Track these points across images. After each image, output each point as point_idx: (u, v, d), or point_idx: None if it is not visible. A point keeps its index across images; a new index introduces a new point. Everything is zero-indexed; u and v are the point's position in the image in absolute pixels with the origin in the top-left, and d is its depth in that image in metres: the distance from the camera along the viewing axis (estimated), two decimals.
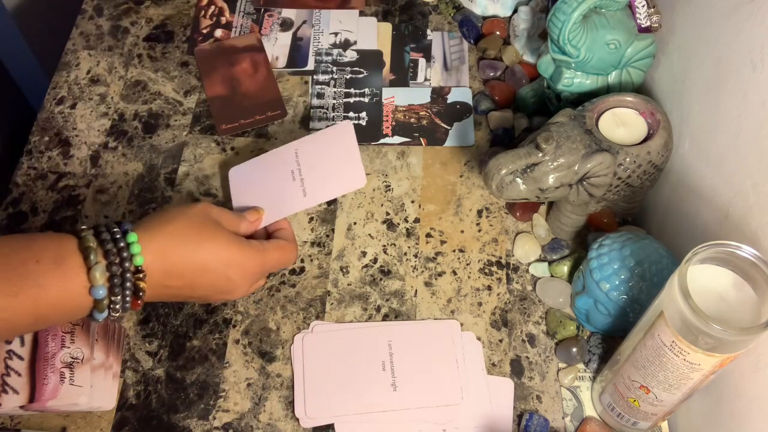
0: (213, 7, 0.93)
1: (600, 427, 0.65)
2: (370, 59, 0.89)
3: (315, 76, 0.87)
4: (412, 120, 0.84)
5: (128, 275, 0.52)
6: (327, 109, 0.84)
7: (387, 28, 0.92)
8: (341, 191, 0.73)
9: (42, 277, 0.49)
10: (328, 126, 0.76)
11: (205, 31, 0.91)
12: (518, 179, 0.65)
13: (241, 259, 0.59)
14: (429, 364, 0.67)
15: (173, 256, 0.55)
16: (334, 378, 0.67)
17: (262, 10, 0.93)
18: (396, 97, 0.85)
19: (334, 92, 0.86)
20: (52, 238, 0.52)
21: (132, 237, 0.53)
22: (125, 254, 0.52)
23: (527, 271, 0.74)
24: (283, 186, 0.69)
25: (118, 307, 0.52)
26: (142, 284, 0.53)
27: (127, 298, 0.53)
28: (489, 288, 0.73)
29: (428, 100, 0.85)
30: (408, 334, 0.69)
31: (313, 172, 0.69)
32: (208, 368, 0.68)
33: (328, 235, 0.76)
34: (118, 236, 0.52)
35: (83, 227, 0.53)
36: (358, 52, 0.89)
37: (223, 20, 0.92)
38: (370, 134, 0.82)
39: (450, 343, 0.68)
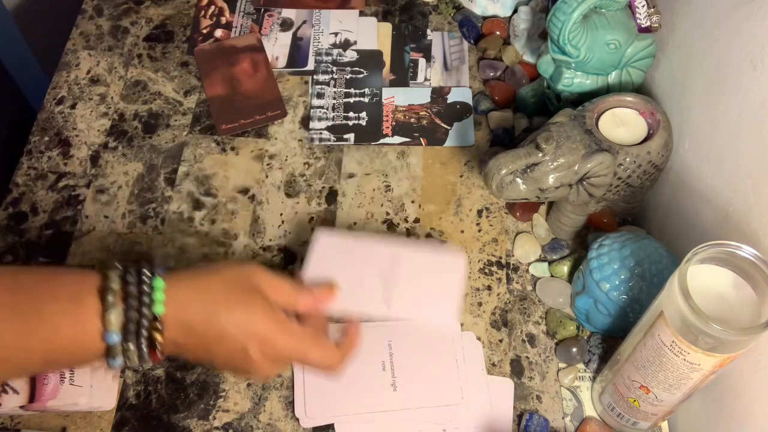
0: (213, 7, 0.93)
1: (600, 427, 0.65)
2: (370, 59, 0.89)
3: (315, 76, 0.87)
4: (412, 120, 0.84)
5: (144, 322, 0.48)
6: (327, 109, 0.84)
7: (387, 28, 0.92)
8: (426, 321, 0.63)
9: (56, 317, 0.46)
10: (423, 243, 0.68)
11: (205, 31, 0.91)
12: (518, 179, 0.65)
13: (270, 337, 0.51)
14: (429, 364, 0.67)
15: (195, 312, 0.50)
16: (335, 381, 0.67)
17: (262, 10, 0.93)
18: (396, 97, 0.85)
19: (334, 92, 0.86)
20: (75, 275, 0.48)
21: (158, 282, 0.49)
22: (146, 299, 0.48)
23: (527, 271, 0.74)
24: (369, 282, 0.62)
25: (133, 356, 0.48)
26: (157, 335, 0.48)
27: (143, 348, 0.48)
28: (489, 288, 0.73)
29: (428, 100, 0.85)
30: (408, 335, 0.69)
31: (406, 286, 0.61)
32: (208, 368, 0.68)
33: None
34: (145, 279, 0.48)
35: (115, 264, 0.49)
36: (358, 52, 0.89)
37: (223, 20, 0.92)
38: (370, 134, 0.82)
39: (450, 343, 0.68)
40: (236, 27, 0.91)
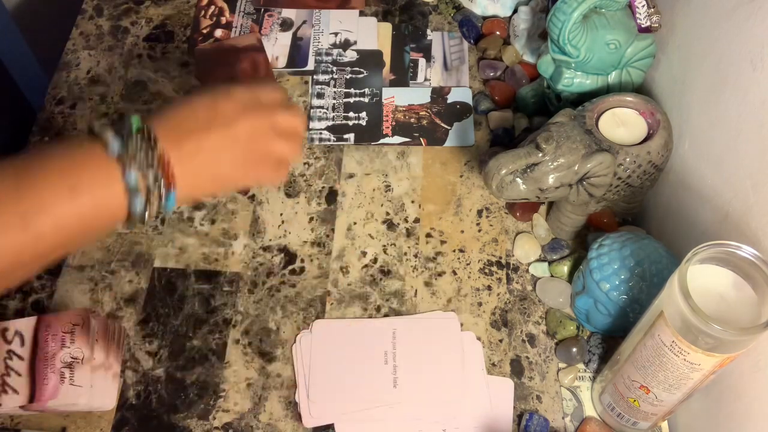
0: (213, 7, 0.93)
1: (600, 427, 0.65)
2: (370, 59, 0.89)
3: (315, 76, 0.87)
4: (412, 120, 0.84)
5: (134, 134, 0.48)
6: (327, 109, 0.84)
7: (387, 28, 0.92)
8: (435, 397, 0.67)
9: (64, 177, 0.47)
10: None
11: (205, 31, 0.91)
12: (518, 179, 0.65)
13: (225, 87, 0.55)
14: (431, 359, 0.67)
15: (170, 108, 0.53)
16: (336, 375, 0.67)
17: (262, 10, 0.93)
18: (396, 97, 0.85)
19: (334, 92, 0.86)
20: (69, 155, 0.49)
21: (132, 118, 0.50)
22: (127, 125, 0.49)
23: (527, 271, 0.74)
24: (373, 364, 0.68)
25: (140, 158, 0.48)
26: (146, 127, 0.49)
27: (142, 146, 0.48)
28: (489, 288, 0.73)
29: (428, 100, 0.85)
30: (410, 329, 0.69)
31: (409, 364, 0.68)
32: (208, 368, 0.68)
33: (328, 235, 0.76)
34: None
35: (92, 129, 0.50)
36: (358, 52, 0.89)
37: (223, 20, 0.92)
38: (370, 134, 0.82)
39: (452, 337, 0.68)
40: (236, 27, 0.91)
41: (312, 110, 0.84)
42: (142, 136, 0.48)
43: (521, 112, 0.83)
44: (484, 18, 0.92)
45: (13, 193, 0.45)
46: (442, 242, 0.75)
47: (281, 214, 0.77)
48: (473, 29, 0.90)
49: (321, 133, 0.82)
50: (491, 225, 0.76)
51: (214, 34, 0.90)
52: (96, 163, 0.48)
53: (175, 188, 0.50)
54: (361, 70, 0.88)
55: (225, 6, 0.93)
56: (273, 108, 0.56)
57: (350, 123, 0.83)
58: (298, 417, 0.66)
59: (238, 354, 0.69)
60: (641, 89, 0.76)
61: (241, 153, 0.54)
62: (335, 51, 0.89)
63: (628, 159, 0.65)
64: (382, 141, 0.82)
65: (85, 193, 0.47)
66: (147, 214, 0.49)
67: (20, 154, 0.48)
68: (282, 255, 0.75)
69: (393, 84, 0.87)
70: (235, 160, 0.54)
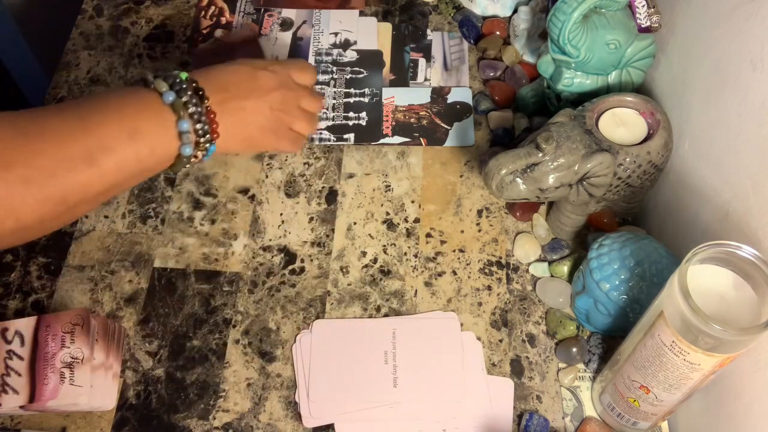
0: (213, 8, 0.93)
1: (600, 427, 0.65)
2: (370, 59, 0.89)
3: None
4: (412, 120, 0.84)
5: (183, 84, 0.55)
6: (327, 109, 0.84)
7: (387, 28, 0.92)
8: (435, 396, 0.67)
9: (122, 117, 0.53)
10: None
11: (205, 32, 0.91)
12: (518, 179, 0.65)
13: (266, 63, 0.64)
14: (431, 359, 0.67)
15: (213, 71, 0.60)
16: (336, 375, 0.67)
17: (262, 10, 0.93)
18: (396, 97, 0.85)
19: (334, 92, 0.86)
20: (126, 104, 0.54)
21: (181, 74, 0.57)
22: (177, 78, 0.56)
23: (527, 271, 0.74)
24: (373, 364, 0.68)
25: (192, 109, 0.55)
26: (198, 88, 0.56)
27: (194, 99, 0.55)
28: (489, 288, 0.73)
29: (428, 100, 0.85)
30: (411, 328, 0.69)
31: (409, 363, 0.68)
32: (208, 368, 0.68)
33: (328, 235, 0.76)
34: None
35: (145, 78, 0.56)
36: (358, 52, 0.89)
37: (223, 20, 0.92)
38: (370, 134, 0.82)
39: (452, 337, 0.69)
40: (236, 27, 0.91)
41: None
42: (193, 90, 0.55)
43: (521, 112, 0.83)
44: (484, 18, 0.92)
45: (80, 133, 0.50)
46: (442, 242, 0.75)
47: (281, 214, 0.77)
48: (473, 29, 0.90)
49: (321, 133, 0.82)
50: (491, 225, 0.76)
51: (214, 34, 0.90)
52: (153, 111, 0.54)
53: (217, 140, 0.57)
54: (361, 70, 0.88)
55: (225, 6, 0.93)
56: (302, 89, 0.65)
57: (350, 123, 0.83)
58: (298, 417, 0.66)
59: (238, 354, 0.69)
60: (641, 89, 0.76)
61: (269, 121, 0.62)
62: (335, 51, 0.89)
63: (628, 159, 0.65)
64: (382, 141, 0.82)
65: (144, 136, 0.52)
66: (192, 158, 0.56)
67: (80, 99, 0.55)
68: (282, 255, 0.75)
69: (393, 84, 0.87)
70: (264, 127, 0.62)
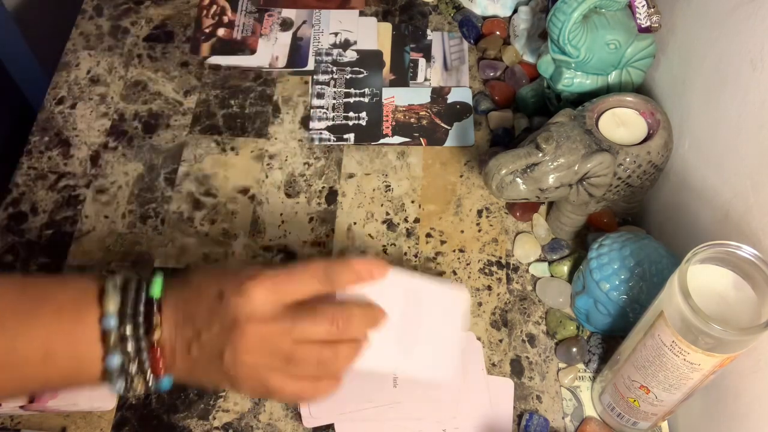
0: (215, 7, 0.93)
1: (600, 427, 0.65)
2: (370, 59, 0.89)
3: (315, 76, 0.87)
4: (412, 120, 0.84)
5: (140, 307, 0.46)
6: (327, 109, 0.84)
7: (387, 28, 0.92)
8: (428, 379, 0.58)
9: (53, 320, 0.45)
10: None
11: (207, 31, 0.91)
12: (518, 179, 0.65)
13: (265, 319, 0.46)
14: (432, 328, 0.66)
15: (189, 298, 0.47)
16: None
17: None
18: (396, 97, 0.85)
19: (334, 92, 0.86)
20: (76, 283, 0.47)
21: (157, 277, 0.47)
22: (143, 290, 0.46)
23: (527, 271, 0.74)
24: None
25: (131, 347, 0.45)
26: (155, 318, 0.46)
27: (140, 333, 0.45)
28: (489, 288, 0.73)
29: (428, 100, 0.85)
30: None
31: (411, 331, 0.55)
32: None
33: (328, 235, 0.76)
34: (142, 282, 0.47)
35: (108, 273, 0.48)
36: (358, 52, 0.89)
37: (225, 19, 0.92)
38: (370, 134, 0.82)
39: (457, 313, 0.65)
40: (238, 26, 0.91)
41: (312, 110, 0.84)
42: (145, 317, 0.45)
43: (521, 112, 0.83)
44: (484, 18, 0.92)
45: (10, 334, 0.44)
46: (442, 242, 0.75)
47: (281, 214, 0.77)
48: (473, 29, 0.90)
49: (321, 133, 0.82)
50: (491, 225, 0.76)
51: (216, 33, 0.90)
52: (81, 335, 0.45)
53: (170, 372, 0.47)
54: (361, 70, 0.88)
55: (227, 5, 0.93)
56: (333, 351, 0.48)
57: (350, 123, 0.83)
58: (298, 417, 0.66)
59: None
60: (641, 89, 0.76)
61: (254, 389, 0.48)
62: (335, 51, 0.89)
63: (628, 159, 0.65)
64: (382, 141, 0.82)
65: (58, 363, 0.45)
66: (131, 392, 0.46)
67: (29, 282, 0.46)
68: (282, 255, 0.74)
69: (393, 84, 0.87)
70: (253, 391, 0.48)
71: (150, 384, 0.46)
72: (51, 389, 0.47)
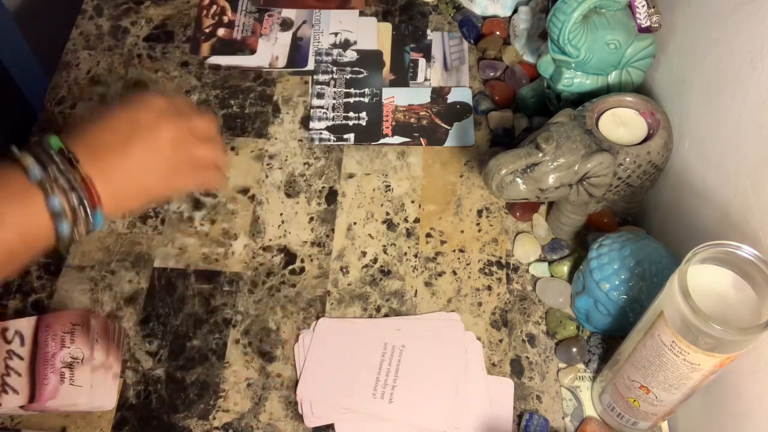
0: (215, 7, 0.93)
1: (600, 427, 0.65)
2: (370, 59, 0.89)
3: (315, 76, 0.87)
4: (412, 120, 0.84)
5: (52, 155, 0.48)
6: (327, 109, 0.84)
7: (387, 28, 0.92)
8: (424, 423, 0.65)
9: None
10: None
11: (207, 31, 0.91)
12: (518, 179, 0.65)
13: (140, 98, 0.54)
14: (433, 360, 0.67)
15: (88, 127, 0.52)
16: (337, 374, 0.67)
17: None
18: (396, 97, 0.85)
19: (334, 92, 0.86)
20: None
21: (52, 137, 0.50)
22: (45, 147, 0.49)
23: (527, 271, 0.74)
24: (370, 373, 0.67)
25: (70, 194, 0.48)
26: (59, 142, 0.49)
27: (71, 176, 0.48)
28: (489, 288, 0.73)
29: (428, 100, 0.85)
30: (413, 328, 0.69)
31: (407, 380, 0.66)
32: (208, 368, 0.68)
33: (328, 235, 0.76)
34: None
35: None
36: (358, 52, 0.89)
37: (225, 19, 0.92)
38: (370, 134, 0.82)
39: (455, 338, 0.68)
40: (238, 26, 0.91)
41: (312, 110, 0.84)
42: (62, 158, 0.48)
43: (521, 112, 0.83)
44: (484, 18, 0.92)
45: None
46: (442, 242, 0.75)
47: (281, 214, 0.77)
48: (473, 29, 0.90)
49: (321, 133, 0.82)
50: (491, 225, 0.76)
51: (216, 33, 0.90)
52: (18, 191, 0.47)
53: (101, 207, 0.50)
54: (361, 70, 0.88)
55: (227, 5, 0.93)
56: (188, 114, 0.56)
57: (350, 123, 0.83)
58: (298, 417, 0.66)
59: (238, 354, 0.69)
60: (641, 89, 0.76)
61: (166, 162, 0.53)
62: (335, 51, 0.89)
63: (628, 159, 0.65)
64: (382, 141, 0.82)
65: (9, 222, 0.46)
66: (75, 234, 0.49)
67: None
68: (282, 255, 0.75)
69: (393, 84, 0.87)
70: (161, 170, 0.53)
71: (90, 218, 0.49)
72: (8, 259, 0.48)
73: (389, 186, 0.79)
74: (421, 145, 0.82)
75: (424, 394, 0.66)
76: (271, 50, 0.89)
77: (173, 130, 0.53)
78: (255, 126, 0.83)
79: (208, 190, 0.60)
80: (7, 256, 0.47)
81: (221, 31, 0.91)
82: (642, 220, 0.77)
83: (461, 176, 0.80)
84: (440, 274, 0.73)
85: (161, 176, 0.54)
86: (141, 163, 0.52)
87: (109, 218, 0.51)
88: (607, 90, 0.74)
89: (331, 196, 0.78)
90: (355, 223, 0.77)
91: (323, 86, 0.86)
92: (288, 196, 0.78)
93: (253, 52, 0.89)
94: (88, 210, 0.49)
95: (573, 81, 0.74)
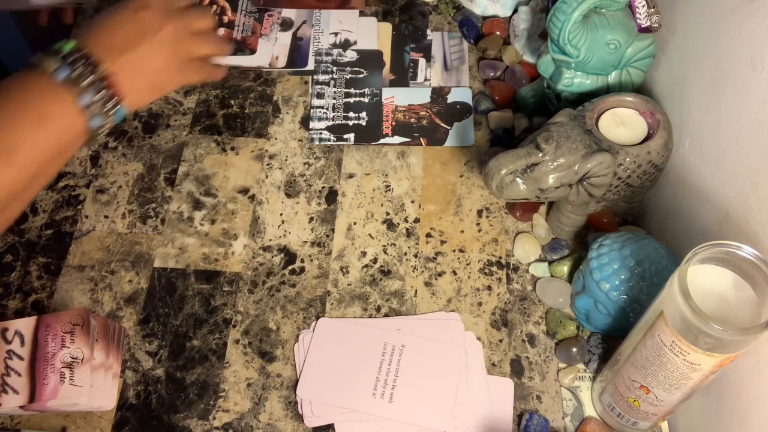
0: (215, 7, 0.93)
1: (600, 427, 0.65)
2: (370, 59, 0.89)
3: (315, 76, 0.87)
4: (412, 120, 0.84)
5: (71, 56, 0.53)
6: (327, 109, 0.84)
7: (387, 28, 0.92)
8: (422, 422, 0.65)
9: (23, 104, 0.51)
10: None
11: None
12: (518, 179, 0.65)
13: None
14: (434, 360, 0.67)
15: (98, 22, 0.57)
16: (338, 374, 0.67)
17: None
18: (396, 97, 0.85)
19: (334, 92, 0.86)
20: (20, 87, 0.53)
21: (66, 45, 0.54)
22: (64, 50, 0.53)
23: (527, 271, 0.74)
24: (370, 372, 0.67)
25: (95, 84, 0.53)
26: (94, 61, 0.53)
27: (87, 69, 0.53)
28: (489, 288, 0.73)
29: (428, 100, 0.85)
30: (414, 329, 0.69)
31: (408, 380, 0.67)
32: (208, 368, 0.68)
33: (328, 235, 0.76)
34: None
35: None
36: (358, 52, 0.89)
37: (225, 19, 0.92)
38: (370, 134, 0.83)
39: (456, 338, 0.68)
40: (239, 26, 0.91)
41: (312, 110, 0.84)
42: (83, 60, 0.53)
43: (521, 112, 0.83)
44: (484, 18, 0.92)
45: None
46: (442, 242, 0.75)
47: (281, 214, 0.77)
48: (473, 29, 0.90)
49: (321, 133, 0.82)
50: (491, 225, 0.76)
51: (216, 33, 0.90)
52: (51, 93, 0.52)
53: (123, 101, 0.55)
54: (361, 70, 0.88)
55: (227, 5, 0.93)
56: (187, 10, 0.61)
57: (350, 123, 0.83)
58: (298, 417, 0.66)
59: (238, 354, 0.69)
60: (641, 89, 0.76)
61: (171, 57, 0.59)
62: (335, 51, 0.89)
63: (628, 159, 0.65)
64: (382, 141, 0.82)
65: (50, 121, 0.51)
66: (105, 128, 0.54)
67: None
68: (282, 255, 0.75)
69: (393, 84, 0.87)
70: (168, 64, 0.59)
71: (118, 109, 0.54)
72: (54, 156, 0.53)
73: (389, 186, 0.79)
74: (421, 145, 0.82)
75: (424, 394, 0.66)
76: (271, 50, 0.89)
77: (174, 27, 0.59)
78: (255, 126, 0.83)
79: (211, 80, 0.66)
80: (54, 151, 0.52)
81: (221, 32, 0.91)
82: (642, 220, 0.77)
83: (461, 176, 0.80)
84: (440, 274, 0.73)
85: (170, 70, 0.59)
86: (151, 59, 0.57)
87: (132, 110, 0.56)
88: (607, 90, 0.75)
89: (331, 196, 0.78)
90: (355, 223, 0.77)
91: (323, 86, 0.86)
92: (288, 196, 0.78)
93: (253, 52, 0.89)
94: (115, 104, 0.54)
95: (573, 81, 0.75)
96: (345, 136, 0.82)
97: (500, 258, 0.74)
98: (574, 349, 0.67)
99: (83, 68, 0.52)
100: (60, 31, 0.92)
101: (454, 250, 0.75)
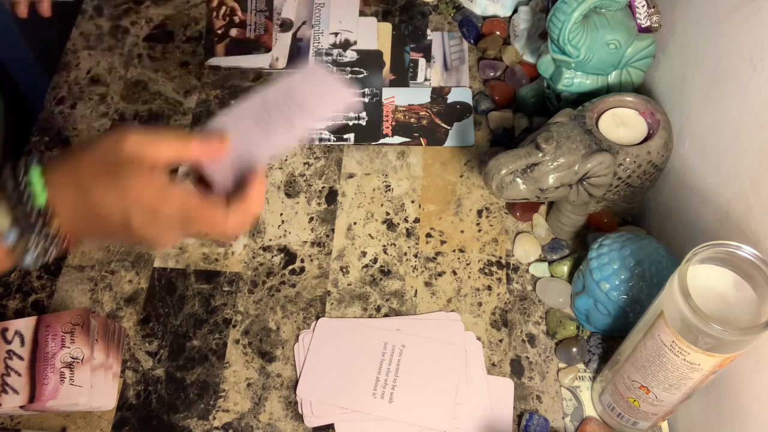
0: (224, 8, 0.93)
1: (600, 427, 0.65)
2: (370, 59, 0.89)
3: None
4: (412, 120, 0.84)
5: (33, 213, 0.46)
6: None
7: (387, 28, 0.92)
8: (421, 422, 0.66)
9: None
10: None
11: (219, 32, 0.91)
12: (518, 179, 0.65)
13: (150, 204, 0.47)
14: (434, 360, 0.67)
15: (71, 198, 0.47)
16: (338, 374, 0.67)
17: (274, 6, 0.93)
18: (396, 97, 0.85)
19: None
20: None
21: (34, 172, 0.46)
22: (26, 194, 0.46)
23: (527, 271, 0.74)
24: (370, 372, 0.67)
25: (40, 248, 0.46)
26: (51, 226, 0.46)
27: (45, 238, 0.47)
28: (489, 288, 0.73)
29: (428, 100, 0.85)
30: (414, 329, 0.69)
31: (407, 380, 0.67)
32: (208, 368, 0.68)
33: (328, 235, 0.76)
34: (20, 173, 0.46)
35: None
36: (358, 52, 0.89)
37: (236, 19, 0.92)
38: (370, 134, 0.82)
39: (456, 338, 0.68)
40: (250, 25, 0.91)
41: None
42: (43, 230, 0.46)
43: (521, 112, 0.83)
44: (484, 18, 0.92)
45: None
46: (442, 242, 0.75)
47: (281, 214, 0.77)
48: (473, 29, 0.90)
49: (321, 133, 0.82)
50: (491, 225, 0.76)
51: (229, 33, 0.90)
52: None
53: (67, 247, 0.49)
54: (361, 70, 0.88)
55: (236, 5, 0.93)
56: (213, 217, 0.50)
57: (350, 123, 0.83)
58: (298, 417, 0.66)
59: (238, 354, 0.69)
60: (641, 89, 0.76)
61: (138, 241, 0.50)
62: (335, 51, 0.89)
63: (628, 159, 0.65)
64: (382, 141, 0.82)
65: None
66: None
67: None
68: (282, 255, 0.75)
69: (393, 84, 0.87)
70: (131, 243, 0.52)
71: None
72: None
73: (389, 186, 0.79)
74: (421, 145, 0.82)
75: (424, 394, 0.66)
76: (271, 51, 0.89)
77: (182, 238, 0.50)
78: None
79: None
80: None
81: (234, 32, 0.91)
82: (642, 220, 0.77)
83: (461, 176, 0.80)
84: (440, 274, 0.73)
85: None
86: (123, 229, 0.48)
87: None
88: (607, 90, 0.74)
89: (331, 196, 0.78)
90: (355, 223, 0.77)
91: None
92: (288, 196, 0.78)
93: (268, 50, 0.89)
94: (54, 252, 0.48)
95: (573, 81, 0.74)
96: (345, 136, 0.82)
97: (500, 258, 0.74)
98: (574, 349, 0.67)
99: (38, 238, 0.46)
100: (55, 27, 0.92)
101: (454, 250, 0.75)
